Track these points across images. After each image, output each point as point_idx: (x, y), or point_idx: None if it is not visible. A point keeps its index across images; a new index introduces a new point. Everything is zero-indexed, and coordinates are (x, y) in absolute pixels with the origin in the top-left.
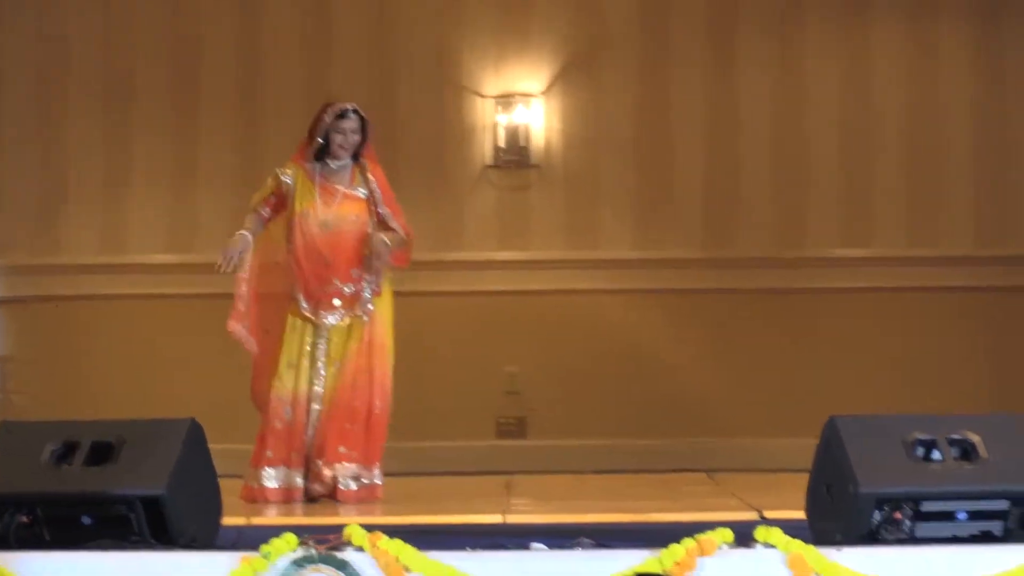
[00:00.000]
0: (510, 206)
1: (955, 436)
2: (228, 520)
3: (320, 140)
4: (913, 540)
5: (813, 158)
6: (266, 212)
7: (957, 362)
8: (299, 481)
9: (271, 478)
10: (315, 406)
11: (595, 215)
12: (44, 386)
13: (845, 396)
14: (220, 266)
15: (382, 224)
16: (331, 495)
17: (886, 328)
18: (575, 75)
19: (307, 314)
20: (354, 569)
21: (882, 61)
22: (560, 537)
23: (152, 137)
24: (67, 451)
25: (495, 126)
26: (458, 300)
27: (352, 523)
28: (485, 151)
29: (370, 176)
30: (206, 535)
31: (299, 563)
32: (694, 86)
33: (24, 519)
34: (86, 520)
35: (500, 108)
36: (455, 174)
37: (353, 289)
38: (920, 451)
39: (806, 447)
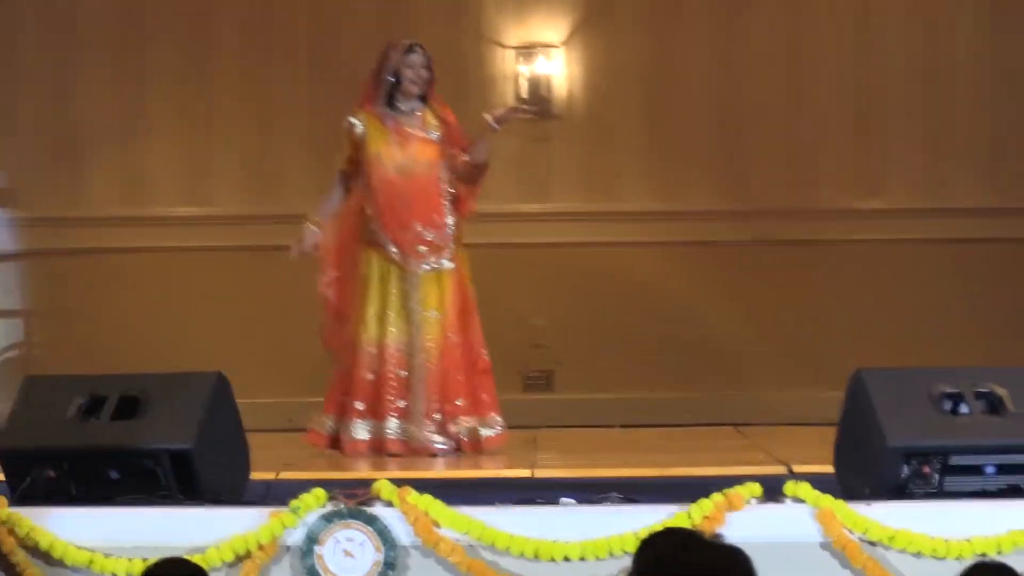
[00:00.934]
0: (532, 157)
1: (982, 389)
2: (256, 474)
3: (390, 79)
4: (942, 494)
5: (824, 110)
6: (350, 169)
7: (980, 314)
8: (388, 433)
9: (362, 430)
10: (419, 358)
11: (616, 166)
12: (67, 340)
13: (869, 348)
14: (291, 254)
15: (460, 164)
16: (456, 449)
17: (908, 280)
18: (595, 25)
19: (396, 259)
20: (383, 524)
21: (895, 9)
22: (588, 492)
23: (167, 86)
24: (94, 405)
25: (516, 76)
26: (481, 252)
27: (381, 478)
28: (507, 101)
29: (444, 117)
30: (234, 490)
31: (328, 518)
32: (709, 34)
33: (51, 474)
34: (113, 475)
35: (521, 59)
36: (476, 125)
37: (435, 235)
38: (947, 404)
39: (832, 400)
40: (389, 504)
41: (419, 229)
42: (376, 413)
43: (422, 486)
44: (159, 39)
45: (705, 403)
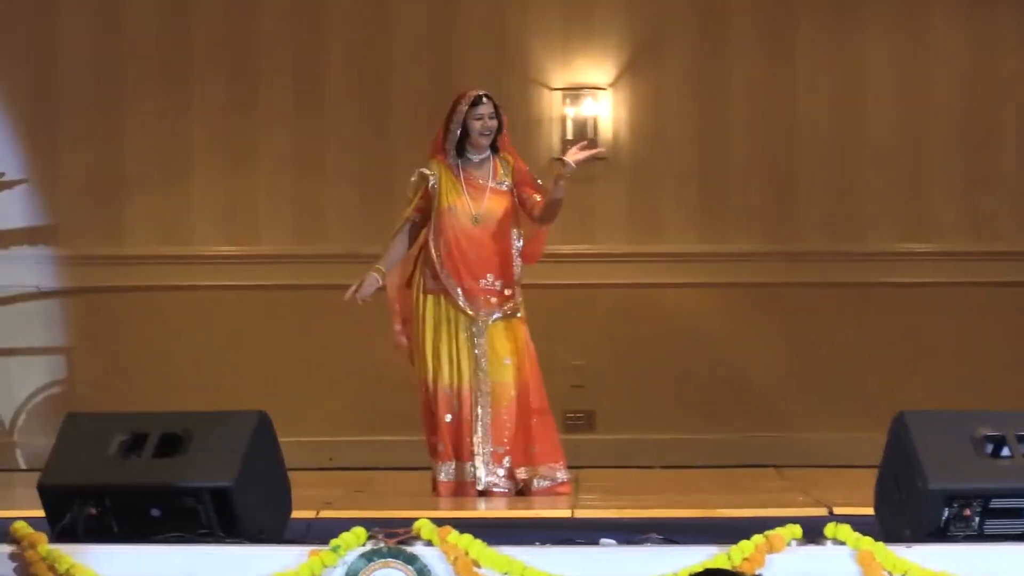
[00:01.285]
0: (577, 198)
1: None
2: (297, 513)
3: (458, 131)
4: (983, 537)
5: (872, 150)
6: (417, 218)
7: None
8: (472, 472)
9: (444, 472)
10: (481, 403)
11: (661, 208)
12: (110, 377)
13: (911, 391)
14: (347, 296)
15: (533, 204)
16: (524, 493)
17: (951, 323)
18: (642, 67)
19: (466, 309)
20: (423, 563)
21: (943, 50)
22: (629, 532)
23: (210, 123)
24: (135, 442)
25: (563, 118)
26: (524, 293)
27: (422, 517)
28: (553, 143)
29: (515, 165)
30: (275, 528)
31: (368, 557)
32: (756, 76)
33: (93, 511)
34: (155, 512)
35: (568, 101)
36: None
37: (505, 285)
38: (989, 447)
39: (873, 442)
40: (429, 543)
41: (491, 280)
42: (459, 455)
43: (463, 525)
44: (203, 76)
45: (746, 444)
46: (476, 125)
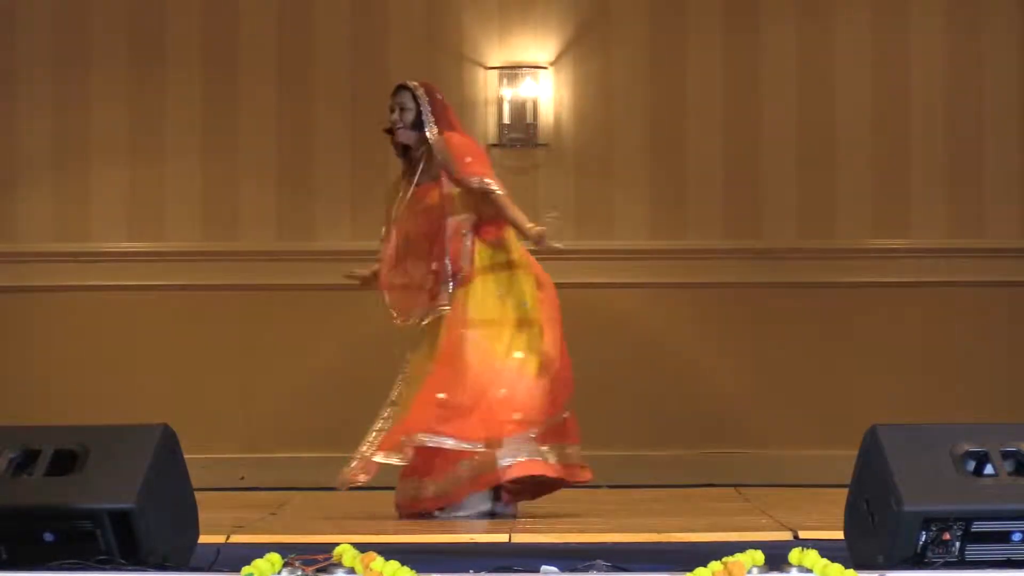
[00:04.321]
0: (516, 189)
1: (1009, 448)
2: (205, 537)
3: (387, 133)
4: (963, 564)
5: (843, 138)
6: None
7: (1008, 364)
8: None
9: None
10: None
11: (609, 200)
12: None
13: (885, 402)
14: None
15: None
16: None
17: (928, 326)
18: (587, 44)
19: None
20: None
21: (919, 32)
22: (572, 559)
23: (111, 109)
24: (26, 460)
25: (499, 101)
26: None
27: (343, 542)
28: (488, 128)
29: (438, 150)
30: (180, 554)
31: None
32: (713, 57)
33: None
34: (48, 537)
35: (505, 81)
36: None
37: (431, 282)
38: (971, 465)
39: (844, 459)
40: (351, 571)
41: (418, 279)
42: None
43: (389, 551)
44: (104, 59)
45: (703, 461)
46: (391, 117)
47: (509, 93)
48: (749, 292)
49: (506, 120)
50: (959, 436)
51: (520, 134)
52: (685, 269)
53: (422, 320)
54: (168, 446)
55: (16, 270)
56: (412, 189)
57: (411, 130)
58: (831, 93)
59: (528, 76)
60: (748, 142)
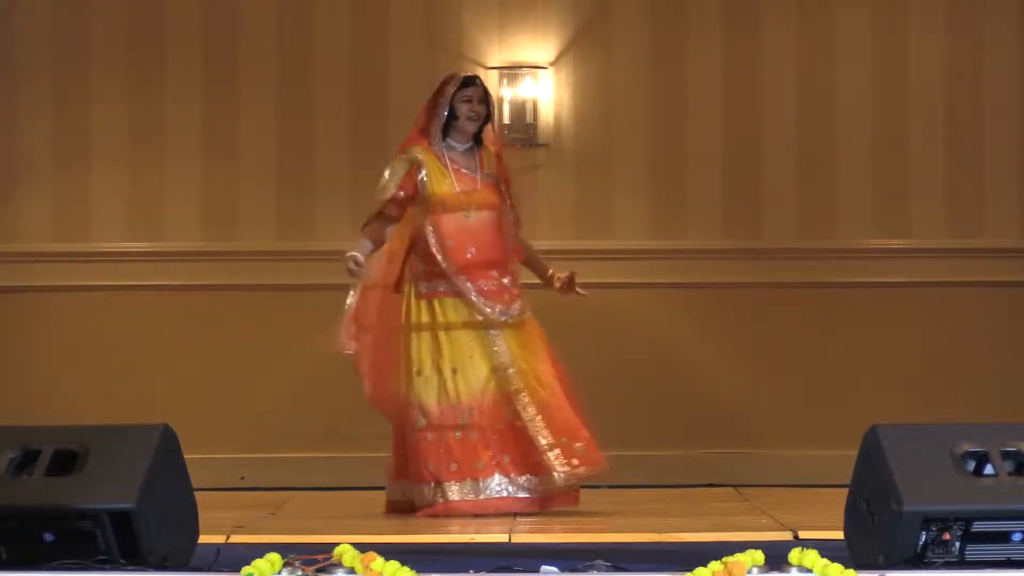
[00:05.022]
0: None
1: (1010, 448)
2: (205, 537)
3: (444, 113)
4: (963, 564)
5: (843, 138)
6: (394, 212)
7: (1008, 364)
8: (490, 488)
9: (458, 491)
10: (521, 403)
11: (609, 200)
12: None
13: (885, 402)
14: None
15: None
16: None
17: (928, 326)
18: (586, 44)
19: (483, 308)
20: None
21: (920, 32)
22: (573, 559)
23: (111, 108)
24: (26, 460)
25: (500, 100)
26: None
27: (343, 542)
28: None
29: (502, 161)
30: (180, 554)
31: None
32: (713, 57)
33: None
34: (47, 537)
35: (505, 81)
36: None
37: (512, 283)
38: (971, 464)
39: (844, 460)
40: (351, 571)
41: (496, 277)
42: (472, 472)
43: (389, 551)
44: (105, 57)
45: (702, 461)
46: (464, 108)
47: (509, 93)
48: (749, 292)
49: (506, 120)
50: (959, 436)
51: (520, 134)
52: (685, 269)
53: (506, 317)
54: (168, 446)
55: (16, 270)
56: (477, 183)
57: (478, 122)
58: (831, 93)
59: (528, 76)
60: (748, 142)
